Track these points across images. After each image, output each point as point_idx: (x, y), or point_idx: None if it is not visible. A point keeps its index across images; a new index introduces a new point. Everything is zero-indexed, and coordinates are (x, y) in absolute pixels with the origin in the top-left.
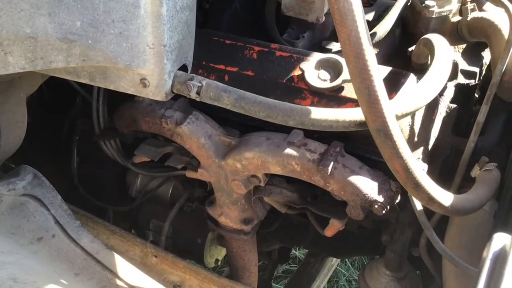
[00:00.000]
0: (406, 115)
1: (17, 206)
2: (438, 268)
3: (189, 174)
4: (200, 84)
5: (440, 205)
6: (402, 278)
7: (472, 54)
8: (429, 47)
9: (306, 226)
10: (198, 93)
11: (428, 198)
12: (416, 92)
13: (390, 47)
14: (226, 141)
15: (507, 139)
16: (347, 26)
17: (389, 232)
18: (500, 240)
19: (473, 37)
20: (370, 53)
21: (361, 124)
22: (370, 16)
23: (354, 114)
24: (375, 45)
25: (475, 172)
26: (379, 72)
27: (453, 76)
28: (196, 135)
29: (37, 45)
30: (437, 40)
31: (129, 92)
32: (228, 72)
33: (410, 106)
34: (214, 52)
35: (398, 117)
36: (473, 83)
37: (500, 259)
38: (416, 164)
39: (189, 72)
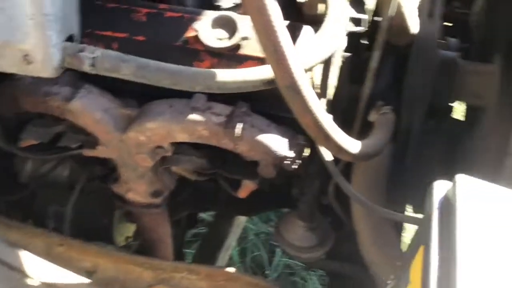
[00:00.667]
0: (311, 68)
1: None
2: (347, 213)
3: (87, 152)
4: (94, 55)
5: (348, 153)
6: (316, 228)
7: (359, 1)
8: None
9: (217, 191)
10: (93, 65)
11: (337, 149)
12: (319, 43)
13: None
14: (125, 113)
15: (398, 82)
16: None
17: (300, 185)
18: (441, 188)
19: None
20: (273, 7)
21: (270, 82)
22: None
23: (262, 73)
24: None
25: (373, 116)
26: (284, 27)
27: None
28: (90, 110)
29: None
30: None
31: (11, 71)
32: (117, 39)
33: (316, 58)
34: (98, 17)
35: (307, 71)
36: (363, 30)
37: (445, 207)
38: (326, 116)
39: (76, 42)
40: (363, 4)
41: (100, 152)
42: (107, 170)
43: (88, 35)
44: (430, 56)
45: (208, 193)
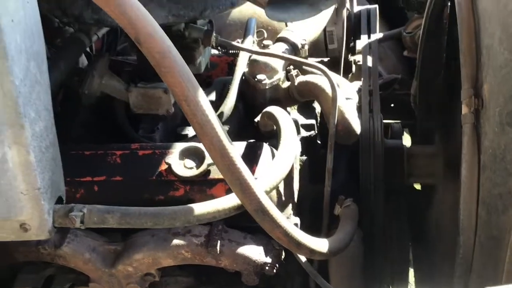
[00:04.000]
0: (275, 187)
1: None
2: None
3: None
4: (81, 213)
5: (320, 254)
6: None
7: (306, 108)
8: (273, 120)
9: None
10: (82, 221)
11: (310, 252)
12: (277, 165)
13: (237, 121)
14: (112, 249)
15: (354, 174)
16: (208, 135)
17: (281, 284)
18: None
19: (303, 98)
20: (233, 150)
21: (240, 207)
22: (212, 96)
23: (231, 201)
24: (224, 123)
25: (337, 210)
26: (243, 163)
27: (297, 132)
28: (79, 252)
29: None
30: (278, 112)
31: (10, 239)
32: (96, 183)
33: (276, 179)
34: (77, 166)
35: (269, 191)
36: (314, 134)
37: None
38: (293, 227)
39: (64, 201)
40: (312, 108)
41: None
42: None
43: (70, 183)
44: (377, 147)
45: None
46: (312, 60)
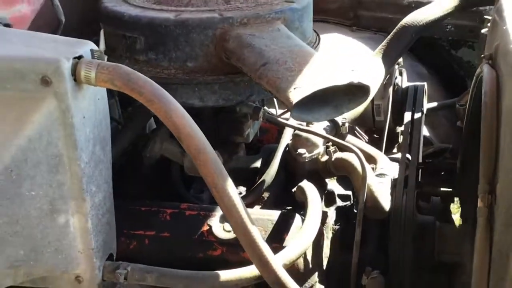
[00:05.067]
0: (295, 260)
1: None
2: None
3: None
4: (126, 271)
5: None
6: None
7: (344, 179)
8: (303, 195)
9: None
10: (125, 278)
11: None
12: (298, 241)
13: (279, 188)
14: None
15: (384, 247)
16: (233, 216)
17: None
18: None
19: (339, 172)
20: (254, 230)
21: (260, 277)
22: (258, 163)
23: (253, 271)
24: (265, 190)
25: (364, 281)
26: (262, 240)
27: (332, 201)
28: None
29: None
30: (308, 189)
31: None
32: (147, 236)
33: (296, 253)
34: (133, 219)
35: (288, 265)
36: (349, 204)
37: None
38: None
39: (114, 258)
40: (350, 181)
41: None
42: None
43: (125, 235)
44: (408, 223)
45: None
46: (352, 138)
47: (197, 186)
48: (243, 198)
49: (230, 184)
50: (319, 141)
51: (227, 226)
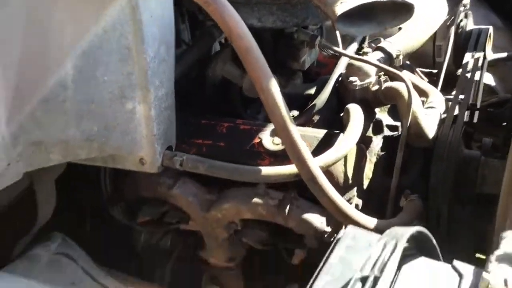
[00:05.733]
0: (330, 165)
1: (52, 262)
2: None
3: (183, 226)
4: (181, 159)
5: (366, 227)
6: None
7: (395, 111)
8: (347, 114)
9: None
10: (181, 164)
11: (355, 224)
12: (334, 149)
13: (329, 113)
14: (208, 198)
15: (426, 174)
16: (276, 115)
17: None
18: None
19: (388, 101)
20: (293, 129)
21: (297, 175)
22: (312, 90)
23: (291, 169)
24: (316, 112)
25: (402, 202)
26: (302, 141)
27: (379, 130)
28: (185, 195)
29: (68, 145)
30: (353, 109)
31: (132, 169)
32: (205, 145)
33: (332, 158)
34: (194, 130)
35: (324, 167)
36: (397, 134)
37: None
38: (342, 200)
39: (173, 149)
40: None
41: (191, 226)
42: (197, 240)
43: (186, 142)
44: (451, 154)
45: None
46: (419, 71)
47: (254, 108)
48: (294, 119)
49: (274, 84)
50: (372, 71)
51: (277, 139)
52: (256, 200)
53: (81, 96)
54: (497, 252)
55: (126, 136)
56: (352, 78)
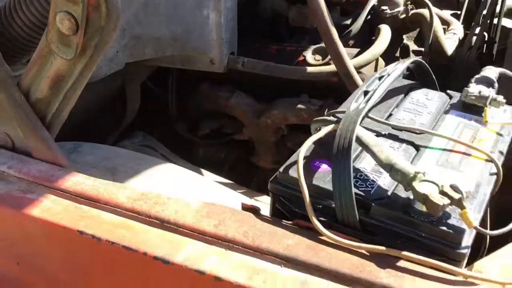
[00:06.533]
0: (362, 66)
1: (138, 150)
2: None
3: (238, 136)
4: (243, 60)
5: None
6: None
7: (420, 39)
8: (378, 32)
9: None
10: (242, 65)
11: None
12: (367, 53)
13: (363, 38)
14: (259, 107)
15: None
16: (323, 26)
17: None
18: None
19: (414, 26)
20: (334, 34)
21: (335, 73)
22: (349, 21)
23: (330, 68)
24: (351, 37)
25: None
26: (342, 46)
27: (406, 54)
28: (240, 105)
29: (159, 42)
30: (383, 27)
31: (204, 69)
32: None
33: (364, 59)
34: (248, 51)
35: (357, 67)
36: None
37: None
38: None
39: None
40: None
41: (244, 135)
42: (249, 148)
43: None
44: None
45: None
46: (445, 12)
47: (299, 35)
48: None
49: (324, 8)
50: (400, 0)
51: (317, 56)
52: (300, 106)
53: (171, 2)
54: (476, 75)
55: (201, 38)
56: (383, 7)
